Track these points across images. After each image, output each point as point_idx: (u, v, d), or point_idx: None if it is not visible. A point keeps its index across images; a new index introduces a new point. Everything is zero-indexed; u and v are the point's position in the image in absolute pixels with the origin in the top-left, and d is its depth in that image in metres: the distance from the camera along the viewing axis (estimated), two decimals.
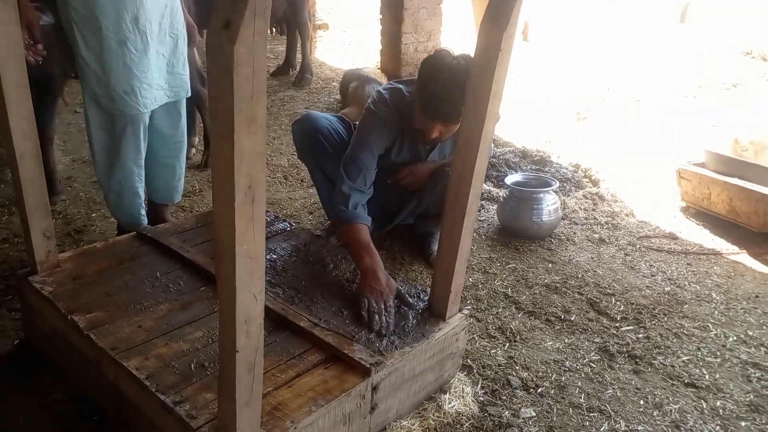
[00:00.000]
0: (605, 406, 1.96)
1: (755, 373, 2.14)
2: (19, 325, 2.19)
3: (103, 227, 3.00)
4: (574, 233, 3.13)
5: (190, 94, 2.58)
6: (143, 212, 2.60)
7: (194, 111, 3.82)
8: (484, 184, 3.10)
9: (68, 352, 1.86)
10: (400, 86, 2.46)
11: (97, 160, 2.44)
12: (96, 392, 1.79)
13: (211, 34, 1.04)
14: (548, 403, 1.96)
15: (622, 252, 2.97)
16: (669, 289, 2.65)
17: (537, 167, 3.87)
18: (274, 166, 3.88)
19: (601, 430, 1.86)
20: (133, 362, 1.63)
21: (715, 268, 2.85)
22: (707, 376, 2.11)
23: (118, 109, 2.30)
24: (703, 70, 6.63)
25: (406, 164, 2.59)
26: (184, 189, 2.88)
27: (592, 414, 1.93)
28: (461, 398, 1.94)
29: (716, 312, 2.49)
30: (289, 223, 2.53)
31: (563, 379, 2.08)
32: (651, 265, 2.85)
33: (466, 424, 1.85)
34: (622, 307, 2.50)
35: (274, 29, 6.03)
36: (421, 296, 2.04)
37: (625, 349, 2.23)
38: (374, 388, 1.67)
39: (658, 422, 1.90)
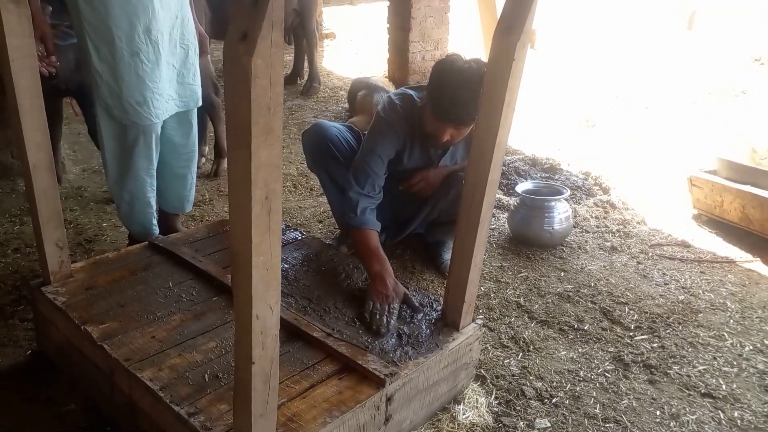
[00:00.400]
0: (621, 417, 1.93)
1: None
2: (31, 335, 2.20)
3: (114, 237, 3.01)
4: (586, 241, 3.11)
5: (200, 104, 2.59)
6: (155, 222, 2.60)
7: (205, 120, 3.84)
8: None
9: (81, 363, 1.86)
10: (411, 92, 2.47)
11: (109, 171, 2.45)
12: (109, 403, 1.79)
13: (228, 46, 1.04)
14: (563, 414, 1.94)
15: (635, 260, 2.95)
16: (683, 297, 2.63)
17: (547, 175, 3.86)
18: (284, 174, 3.88)
19: None
20: (147, 373, 1.63)
21: (729, 276, 2.82)
22: (724, 386, 2.09)
23: (130, 119, 2.31)
24: (711, 76, 6.60)
25: (418, 170, 2.58)
26: (195, 198, 2.88)
27: (608, 425, 1.91)
28: (475, 409, 1.92)
29: (731, 321, 2.47)
30: (300, 232, 2.53)
31: (578, 389, 2.06)
32: (664, 274, 2.82)
33: None
34: (636, 316, 2.48)
35: None
36: (434, 306, 2.04)
37: (639, 359, 2.21)
38: (389, 399, 1.66)
39: None
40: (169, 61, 2.38)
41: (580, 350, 2.26)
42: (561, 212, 2.98)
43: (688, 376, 2.13)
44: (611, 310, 2.51)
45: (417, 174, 2.58)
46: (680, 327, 2.41)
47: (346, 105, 5.30)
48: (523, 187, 3.15)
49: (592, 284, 2.70)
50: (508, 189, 3.62)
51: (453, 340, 1.88)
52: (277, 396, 1.34)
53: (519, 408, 1.96)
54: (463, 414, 1.89)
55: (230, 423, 1.44)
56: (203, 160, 3.93)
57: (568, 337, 2.34)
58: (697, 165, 3.54)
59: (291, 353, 1.75)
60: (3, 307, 2.37)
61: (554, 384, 2.08)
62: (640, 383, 2.10)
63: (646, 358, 2.21)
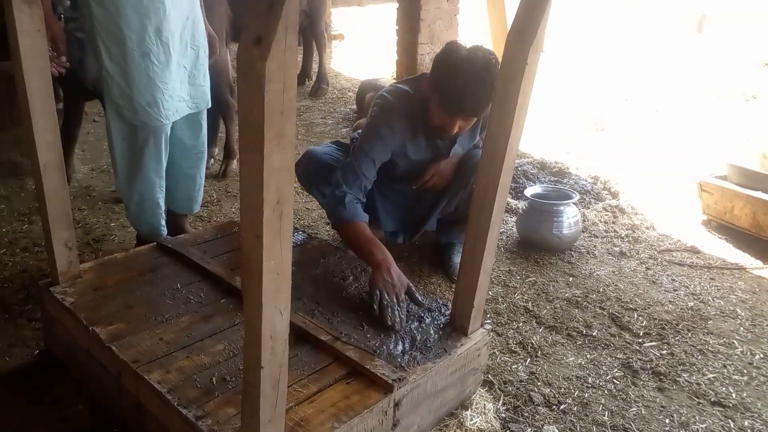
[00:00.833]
0: (630, 425, 1.92)
1: None
2: (39, 335, 2.20)
3: (122, 236, 3.01)
4: (595, 246, 3.09)
5: (210, 106, 2.59)
6: (163, 222, 2.60)
7: (216, 122, 3.84)
8: None
9: (89, 364, 1.86)
10: (404, 87, 2.42)
11: (119, 171, 2.45)
12: (116, 404, 1.79)
13: (242, 50, 1.04)
14: (571, 421, 1.93)
15: (644, 266, 2.93)
16: (692, 304, 2.61)
17: (556, 179, 3.84)
18: None
19: None
20: (155, 375, 1.62)
21: (739, 283, 2.80)
22: (734, 395, 2.07)
23: (140, 120, 2.31)
24: (721, 81, 6.57)
25: (427, 164, 2.53)
26: (203, 199, 2.88)
27: None
28: (483, 414, 1.91)
29: (741, 328, 2.45)
30: (307, 234, 2.52)
31: (586, 395, 2.04)
32: (673, 280, 2.81)
33: None
34: (645, 322, 2.46)
35: None
36: (442, 310, 2.02)
37: (648, 366, 2.19)
38: (396, 404, 1.65)
39: None
40: (180, 63, 2.38)
41: (588, 356, 2.25)
42: (570, 217, 2.96)
43: (698, 383, 2.11)
44: (620, 316, 2.49)
45: (429, 169, 2.52)
46: (689, 334, 2.39)
47: (354, 106, 5.30)
48: (531, 190, 3.14)
49: (601, 290, 2.69)
50: (517, 193, 3.61)
51: (461, 345, 1.86)
52: (285, 401, 1.33)
53: (527, 414, 1.95)
54: (471, 420, 1.88)
55: (238, 427, 1.43)
56: (212, 161, 3.93)
57: (576, 342, 2.33)
58: (706, 170, 3.52)
59: (298, 357, 1.75)
60: (11, 306, 2.38)
61: (562, 390, 2.06)
62: (649, 390, 2.08)
63: (655, 365, 2.19)
